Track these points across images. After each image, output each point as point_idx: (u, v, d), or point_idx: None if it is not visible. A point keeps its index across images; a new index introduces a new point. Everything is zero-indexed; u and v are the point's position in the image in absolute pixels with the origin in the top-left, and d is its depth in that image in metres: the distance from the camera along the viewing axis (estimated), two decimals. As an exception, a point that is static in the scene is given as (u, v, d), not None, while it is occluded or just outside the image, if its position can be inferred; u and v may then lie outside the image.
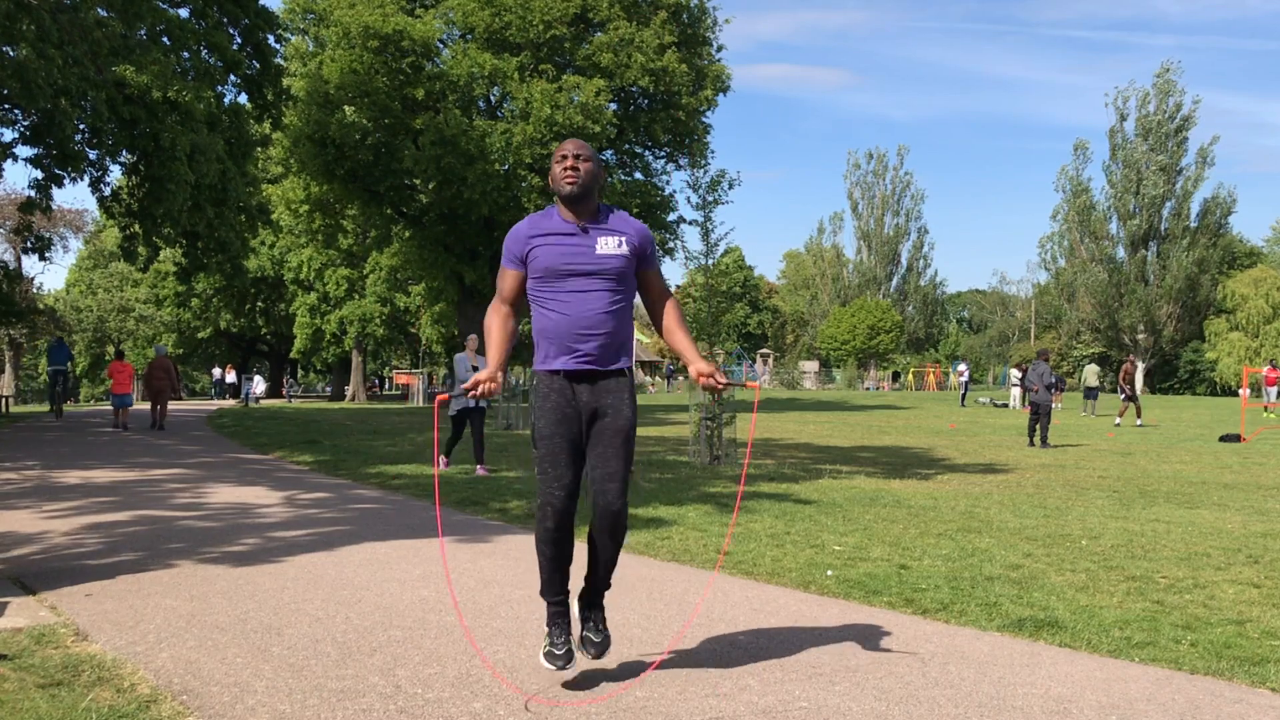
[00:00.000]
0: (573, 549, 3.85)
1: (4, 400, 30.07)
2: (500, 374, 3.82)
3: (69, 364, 24.78)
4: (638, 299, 4.05)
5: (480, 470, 11.75)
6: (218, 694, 3.71)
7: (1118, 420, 24.87)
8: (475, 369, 11.49)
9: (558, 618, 3.90)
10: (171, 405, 23.52)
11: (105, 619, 4.79)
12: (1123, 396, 25.60)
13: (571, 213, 3.83)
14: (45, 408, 32.62)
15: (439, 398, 3.81)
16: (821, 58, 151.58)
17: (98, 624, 4.69)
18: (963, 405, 35.35)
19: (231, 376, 48.93)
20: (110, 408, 22.61)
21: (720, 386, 3.95)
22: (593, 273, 3.78)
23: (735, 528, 7.78)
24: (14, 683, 3.75)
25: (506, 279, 3.92)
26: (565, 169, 3.78)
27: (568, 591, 3.92)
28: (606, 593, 4.05)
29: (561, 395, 3.81)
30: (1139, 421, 25.03)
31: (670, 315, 4.00)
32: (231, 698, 3.67)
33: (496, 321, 3.95)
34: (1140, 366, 29.39)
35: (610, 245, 3.81)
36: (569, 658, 3.83)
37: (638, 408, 4.00)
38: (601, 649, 3.92)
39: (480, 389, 3.74)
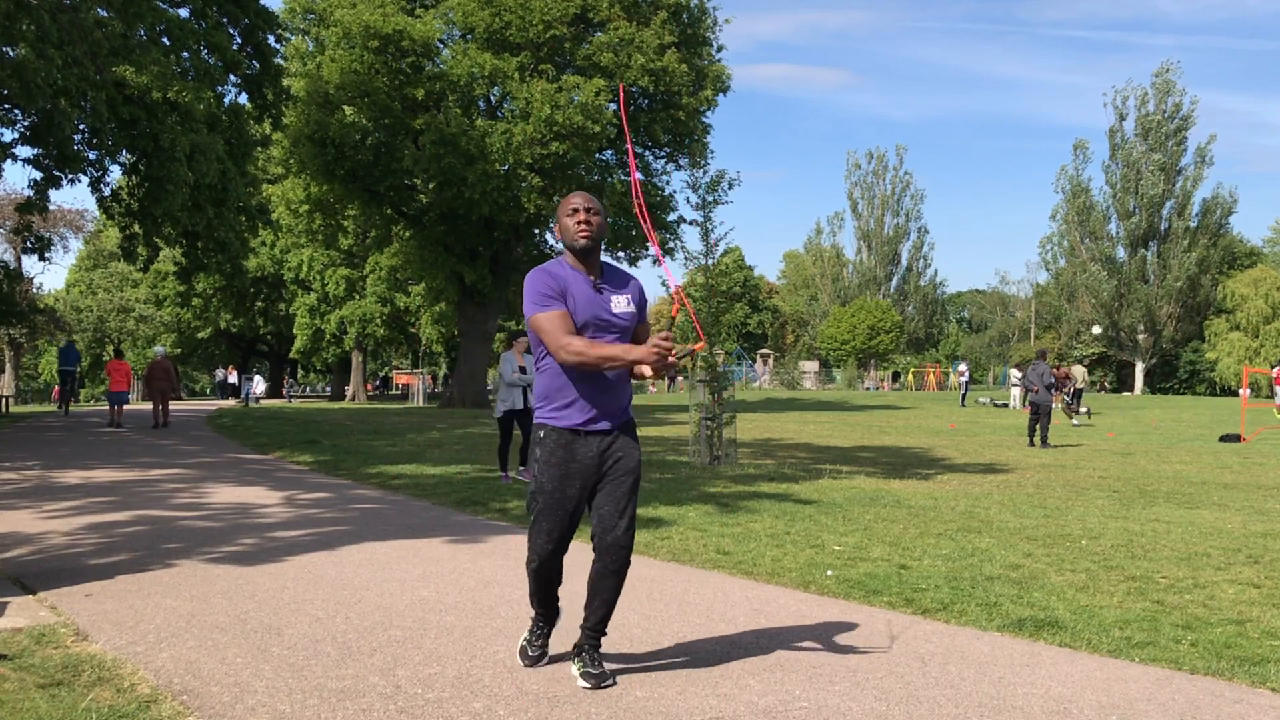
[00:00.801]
0: (559, 581, 4.04)
1: (4, 400, 30.08)
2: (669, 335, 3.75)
3: (77, 365, 25.66)
4: None
5: (524, 474, 11.07)
6: (218, 694, 3.71)
7: (1074, 422, 24.54)
8: (523, 369, 10.84)
9: (540, 621, 4.12)
10: (172, 405, 23.93)
11: (105, 619, 4.79)
12: (1065, 401, 25.17)
13: (582, 265, 3.89)
14: (48, 407, 33.25)
15: (694, 348, 3.85)
16: (822, 58, 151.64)
17: (98, 624, 4.69)
18: (963, 405, 35.38)
19: (234, 377, 48.99)
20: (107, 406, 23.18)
21: (668, 348, 3.69)
22: (610, 328, 3.86)
23: (735, 528, 7.78)
24: (14, 683, 3.75)
25: (561, 318, 3.78)
26: (579, 223, 3.85)
27: (555, 601, 4.10)
28: (604, 638, 4.01)
29: (569, 450, 3.84)
30: (1074, 421, 24.52)
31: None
32: (231, 698, 3.67)
33: (584, 343, 3.77)
34: (1081, 371, 29.19)
35: (622, 303, 3.91)
36: (541, 658, 4.11)
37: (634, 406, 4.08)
38: (601, 680, 3.84)
39: (696, 347, 3.86)
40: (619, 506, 3.83)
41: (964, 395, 37.70)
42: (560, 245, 4.15)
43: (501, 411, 11.07)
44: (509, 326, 36.14)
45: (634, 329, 3.96)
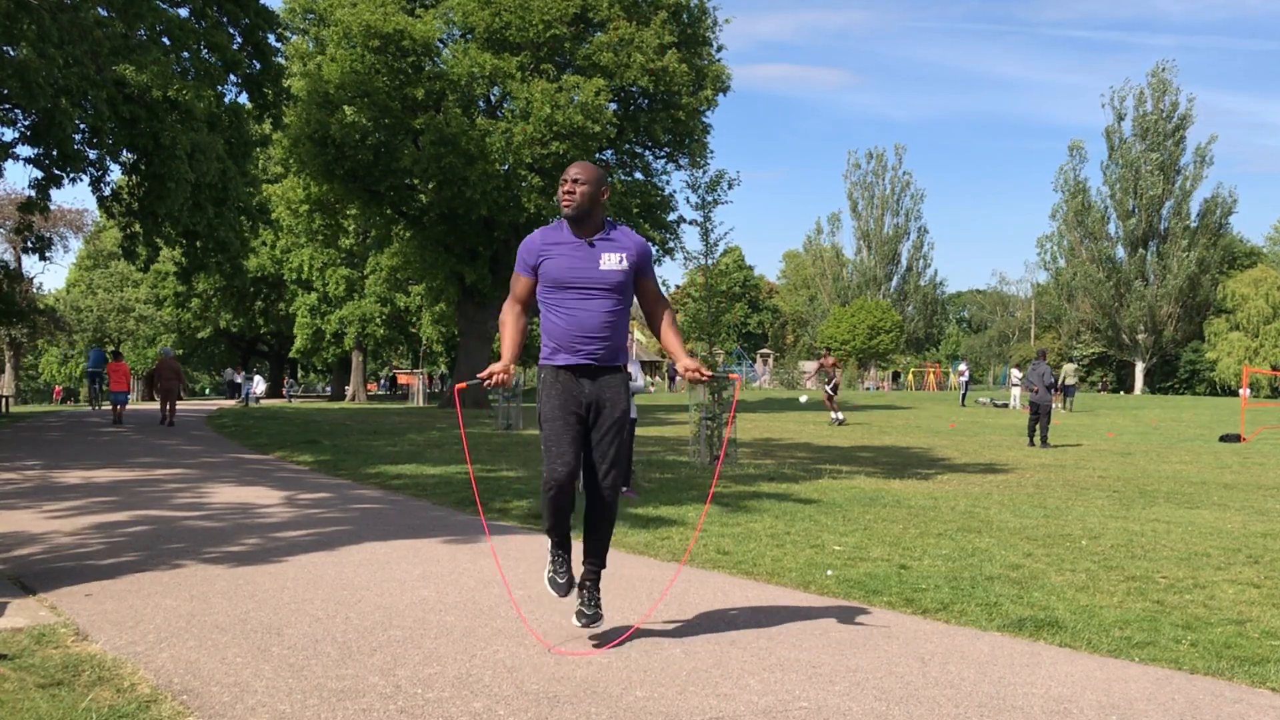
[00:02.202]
0: (571, 507, 4.36)
1: (4, 400, 30.09)
2: (512, 367, 4.30)
3: (104, 367, 28.05)
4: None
5: (628, 493, 9.45)
6: (218, 694, 3.71)
7: (836, 417, 23.53)
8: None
9: (559, 548, 4.44)
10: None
11: (105, 619, 4.79)
12: (828, 392, 24.30)
13: (577, 230, 4.28)
14: (49, 407, 34.20)
15: (458, 387, 4.42)
16: (822, 58, 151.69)
17: (98, 624, 4.69)
18: (963, 405, 35.38)
19: (239, 378, 49.00)
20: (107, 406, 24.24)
21: (704, 378, 4.35)
22: (595, 285, 4.23)
23: (735, 528, 7.78)
24: (14, 683, 3.75)
25: (519, 283, 4.39)
26: (564, 193, 4.25)
27: (568, 529, 4.42)
28: (603, 572, 4.53)
29: (564, 384, 4.27)
30: (838, 417, 23.47)
31: (662, 318, 4.48)
32: (231, 698, 3.67)
33: (510, 318, 4.45)
34: (1070, 367, 28.66)
35: (612, 261, 4.27)
36: (570, 586, 4.47)
37: (638, 407, 4.36)
38: (593, 620, 4.38)
39: (495, 379, 4.27)
40: (603, 453, 4.30)
41: (964, 395, 37.72)
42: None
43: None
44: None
45: (631, 284, 4.33)
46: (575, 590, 4.51)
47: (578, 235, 4.28)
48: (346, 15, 26.94)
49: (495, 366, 4.30)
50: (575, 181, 4.25)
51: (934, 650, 4.43)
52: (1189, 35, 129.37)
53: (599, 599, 4.45)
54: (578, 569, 4.58)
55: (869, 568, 6.25)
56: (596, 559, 4.49)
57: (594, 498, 4.38)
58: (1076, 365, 33.02)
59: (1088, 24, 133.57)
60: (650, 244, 4.71)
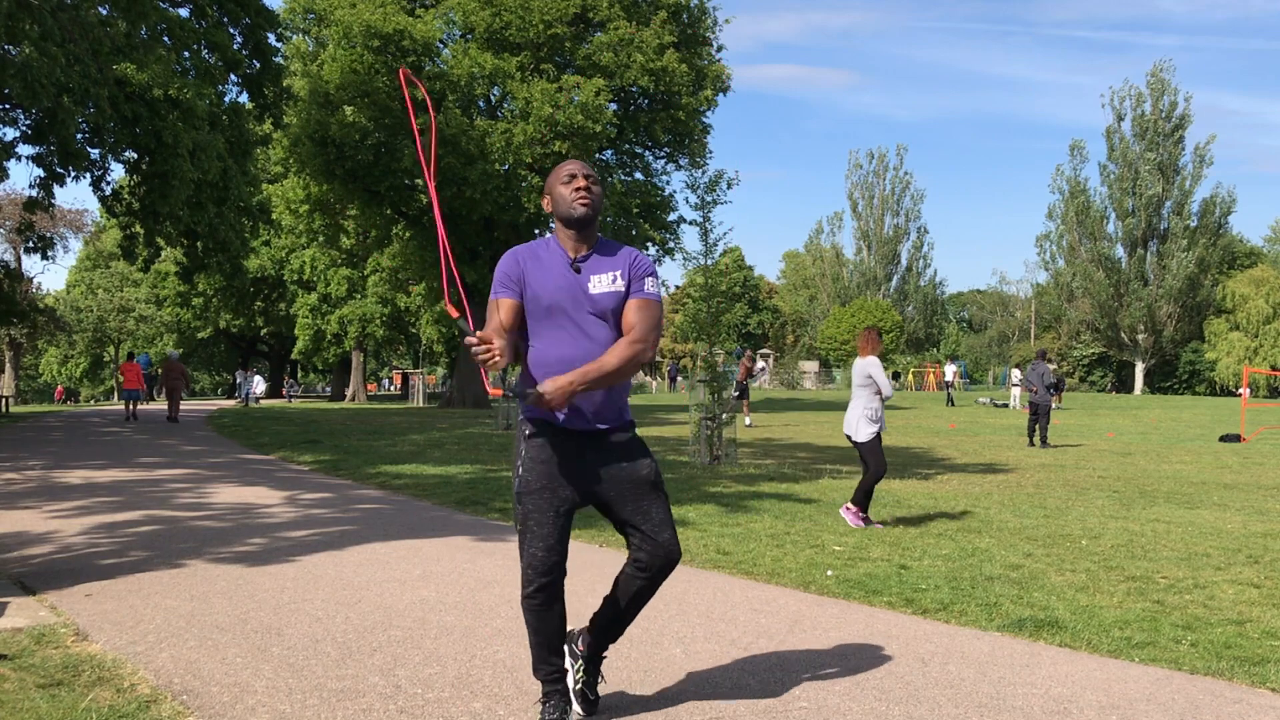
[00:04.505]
0: (564, 620, 3.42)
1: (4, 400, 30.12)
2: (506, 346, 3.21)
3: (150, 368, 31.40)
4: None
5: (847, 513, 8.21)
6: (218, 694, 3.71)
7: (748, 421, 22.85)
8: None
9: (553, 695, 3.43)
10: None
11: (105, 619, 4.79)
12: (736, 394, 22.38)
13: (572, 241, 3.48)
14: (47, 407, 34.83)
15: (493, 391, 3.47)
16: (827, 58, 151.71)
17: (98, 624, 4.69)
18: (949, 405, 35.21)
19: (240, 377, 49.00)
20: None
21: (554, 406, 3.28)
22: (587, 311, 3.40)
23: (735, 528, 7.78)
24: (14, 683, 3.75)
25: (501, 309, 3.40)
26: (576, 190, 3.46)
27: (564, 670, 3.49)
28: (634, 641, 3.76)
29: (555, 448, 3.38)
30: (747, 421, 22.80)
31: (621, 341, 3.41)
32: (231, 698, 3.67)
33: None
34: (762, 365, 27.63)
35: (603, 283, 3.43)
36: None
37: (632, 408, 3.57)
38: (594, 707, 3.58)
39: (486, 350, 3.11)
40: (658, 517, 3.49)
41: (949, 395, 37.46)
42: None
43: (874, 433, 8.18)
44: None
45: (620, 308, 3.44)
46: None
47: (570, 250, 3.48)
48: (346, 15, 26.94)
49: (483, 334, 3.17)
50: (588, 178, 3.48)
51: (934, 650, 4.43)
52: (1190, 35, 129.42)
53: (600, 673, 3.65)
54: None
55: (869, 568, 6.25)
56: (614, 638, 3.62)
57: (659, 555, 3.46)
58: (1055, 365, 33.02)
59: (1091, 24, 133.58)
60: (649, 259, 3.64)
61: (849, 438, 8.28)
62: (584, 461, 3.39)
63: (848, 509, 8.08)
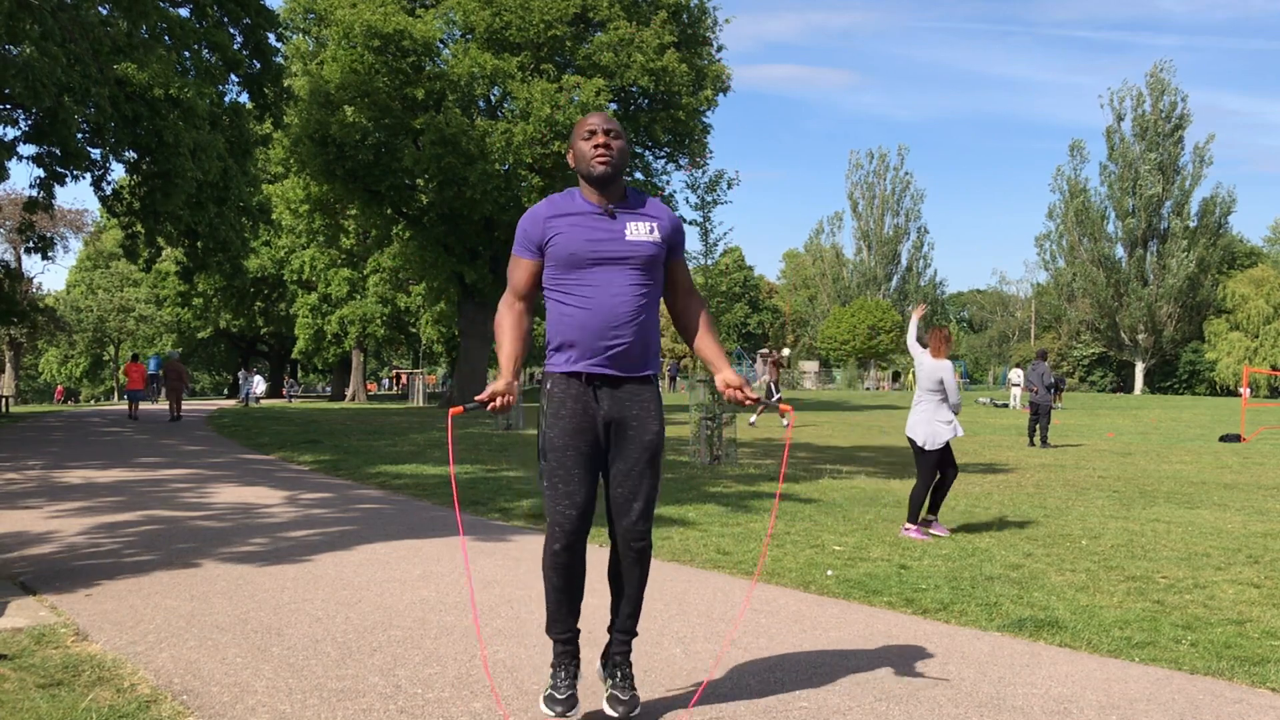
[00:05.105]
0: (584, 579, 3.41)
1: (4, 400, 30.13)
2: (515, 384, 3.34)
3: (162, 369, 32.19)
4: None
5: (935, 527, 7.80)
6: (218, 694, 3.71)
7: (752, 419, 22.44)
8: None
9: (564, 658, 3.42)
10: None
11: (105, 619, 4.79)
12: (771, 395, 21.92)
13: (598, 195, 3.39)
14: (47, 407, 35.70)
15: (453, 411, 3.33)
16: (827, 58, 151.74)
17: (98, 624, 4.69)
18: None
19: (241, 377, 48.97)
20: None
21: (747, 401, 3.43)
22: (622, 260, 3.33)
23: (735, 528, 7.78)
24: (14, 683, 3.75)
25: (519, 269, 3.43)
26: (595, 146, 3.34)
27: (577, 630, 3.47)
28: (634, 642, 3.58)
29: (578, 401, 3.33)
30: (752, 420, 22.45)
31: (698, 317, 3.57)
32: (231, 698, 3.67)
33: (509, 321, 3.45)
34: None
35: (641, 231, 3.38)
36: (572, 704, 3.35)
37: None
38: (631, 708, 3.42)
39: (497, 402, 3.26)
40: (633, 488, 3.35)
41: None
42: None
43: (945, 441, 7.73)
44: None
45: (662, 264, 3.44)
46: (580, 712, 3.41)
47: (598, 201, 3.39)
48: (347, 15, 26.95)
49: (496, 386, 3.28)
50: (608, 133, 3.35)
51: (934, 650, 4.43)
52: (1191, 35, 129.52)
53: (633, 676, 3.48)
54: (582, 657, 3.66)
55: (869, 568, 6.25)
56: (628, 629, 3.49)
57: (621, 547, 3.41)
58: (1052, 365, 33.01)
59: (1092, 24, 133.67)
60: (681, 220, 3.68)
61: (912, 442, 7.74)
62: (601, 409, 3.35)
63: (908, 530, 7.54)
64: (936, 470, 7.70)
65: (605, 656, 3.55)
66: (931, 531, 7.62)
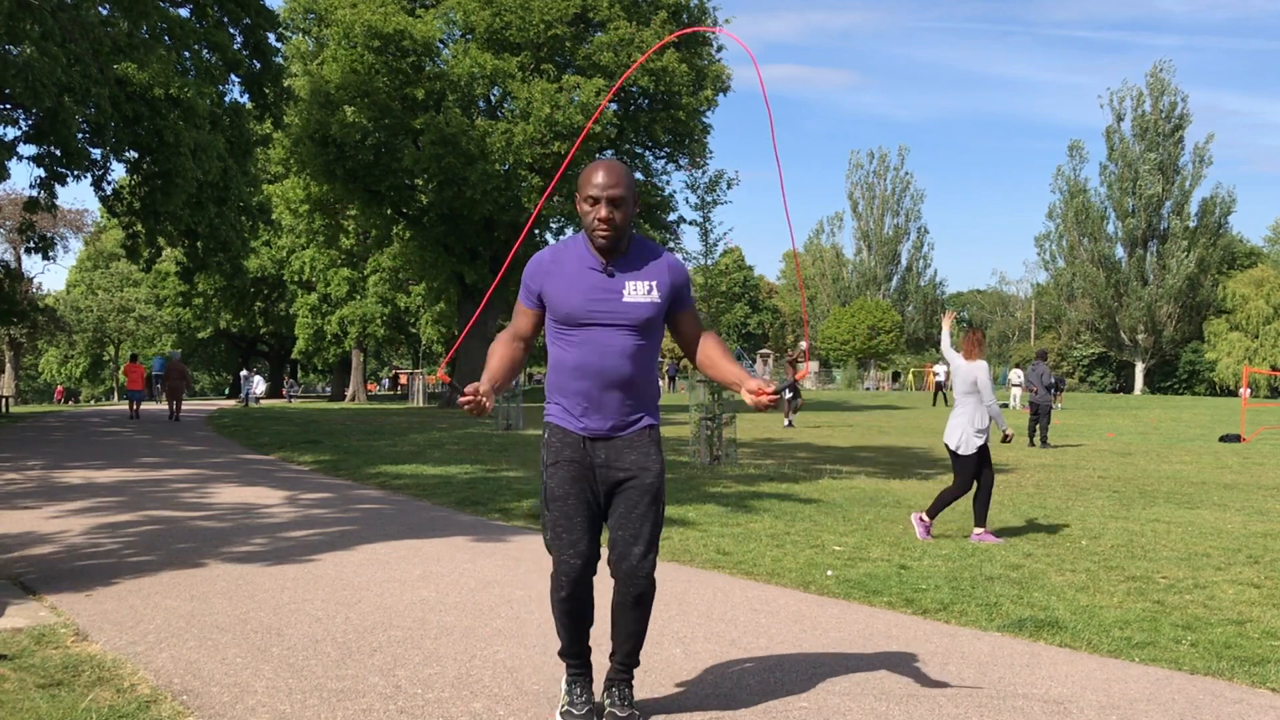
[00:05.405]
0: (593, 610, 3.47)
1: (4, 400, 30.13)
2: (490, 400, 3.29)
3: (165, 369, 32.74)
4: None
5: (982, 535, 7.71)
6: (218, 694, 3.71)
7: (787, 421, 22.57)
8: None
9: (578, 677, 3.49)
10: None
11: (105, 619, 4.79)
12: (790, 395, 21.97)
13: (599, 251, 3.40)
14: (47, 407, 35.61)
15: (442, 373, 3.34)
16: (827, 58, 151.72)
17: (98, 624, 4.69)
18: (934, 405, 35.21)
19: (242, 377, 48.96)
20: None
21: (774, 401, 3.37)
22: (618, 322, 3.34)
23: (735, 528, 7.78)
24: (14, 683, 3.75)
25: (521, 316, 3.48)
26: (598, 220, 3.30)
27: (589, 649, 3.52)
28: (636, 670, 3.61)
29: (575, 450, 3.39)
30: (787, 421, 22.57)
31: (710, 349, 3.53)
32: (231, 698, 3.67)
33: (502, 350, 3.48)
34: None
35: (639, 291, 3.36)
36: (591, 717, 3.39)
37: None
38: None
39: (470, 401, 3.21)
40: (633, 531, 3.35)
41: (935, 396, 37.41)
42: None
43: (978, 446, 7.83)
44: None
45: (661, 320, 3.44)
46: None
47: (599, 258, 3.38)
48: (347, 15, 26.96)
49: (480, 387, 3.26)
50: (613, 202, 3.29)
51: (934, 650, 4.43)
52: (1190, 35, 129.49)
53: (632, 697, 3.52)
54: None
55: (869, 568, 6.25)
56: (628, 664, 3.52)
57: (622, 589, 3.41)
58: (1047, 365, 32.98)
59: (1090, 24, 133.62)
60: (683, 263, 3.61)
61: (948, 447, 7.76)
62: (598, 460, 3.39)
63: (920, 520, 7.60)
64: (974, 477, 7.69)
65: (607, 682, 3.55)
66: (985, 538, 7.54)
